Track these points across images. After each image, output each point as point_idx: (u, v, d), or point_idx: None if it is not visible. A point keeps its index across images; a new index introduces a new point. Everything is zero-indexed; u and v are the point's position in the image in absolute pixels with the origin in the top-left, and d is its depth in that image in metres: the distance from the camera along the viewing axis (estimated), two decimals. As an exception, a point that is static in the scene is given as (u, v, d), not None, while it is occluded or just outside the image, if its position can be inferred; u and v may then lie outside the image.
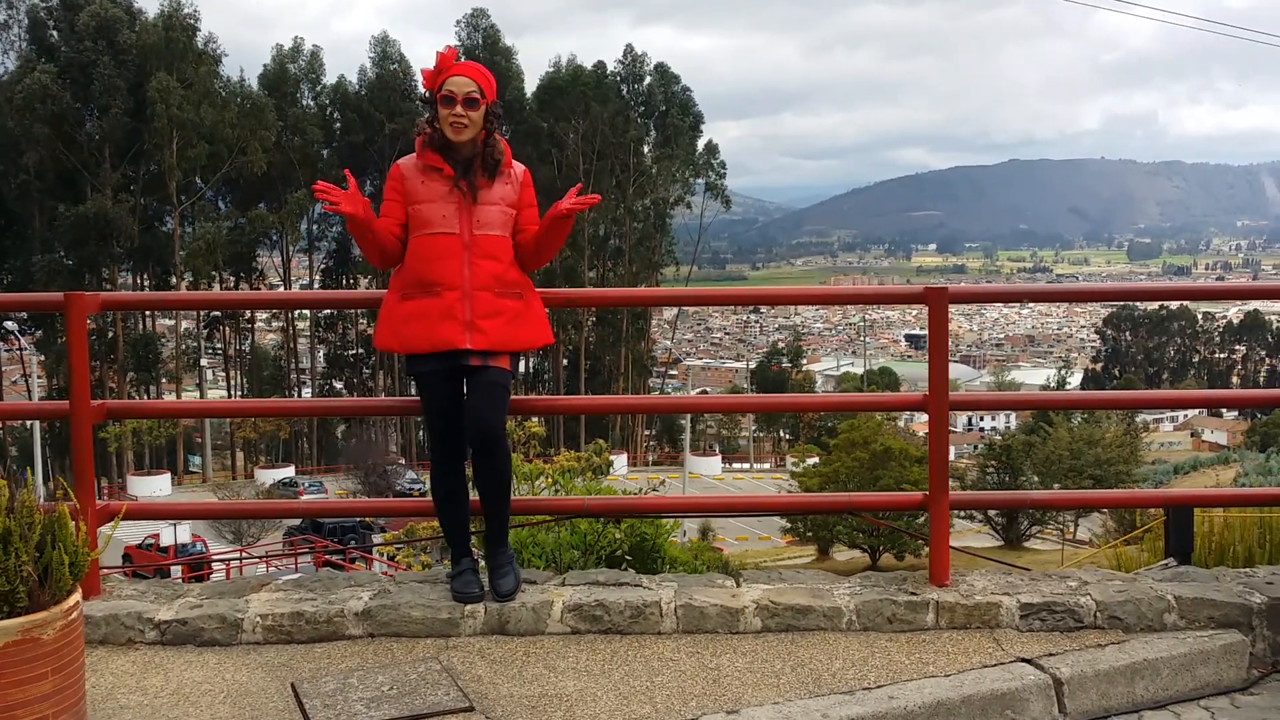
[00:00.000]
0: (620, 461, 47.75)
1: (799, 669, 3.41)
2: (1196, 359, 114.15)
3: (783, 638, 3.67)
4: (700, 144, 73.45)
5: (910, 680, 3.33)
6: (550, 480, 8.51)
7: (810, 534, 33.99)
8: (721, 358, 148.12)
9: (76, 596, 2.79)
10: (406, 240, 3.79)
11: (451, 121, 3.71)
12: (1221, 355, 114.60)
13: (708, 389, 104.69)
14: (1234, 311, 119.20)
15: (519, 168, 3.89)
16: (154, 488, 46.98)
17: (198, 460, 61.46)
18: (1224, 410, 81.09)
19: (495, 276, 3.73)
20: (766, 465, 66.51)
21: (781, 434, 78.04)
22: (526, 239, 3.85)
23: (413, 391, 4.00)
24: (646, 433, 73.33)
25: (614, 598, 3.76)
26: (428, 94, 3.80)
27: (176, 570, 24.31)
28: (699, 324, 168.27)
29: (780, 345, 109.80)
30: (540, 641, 3.64)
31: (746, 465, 65.30)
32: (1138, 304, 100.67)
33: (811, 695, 3.23)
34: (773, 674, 3.38)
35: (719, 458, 63.67)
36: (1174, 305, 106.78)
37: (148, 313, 60.90)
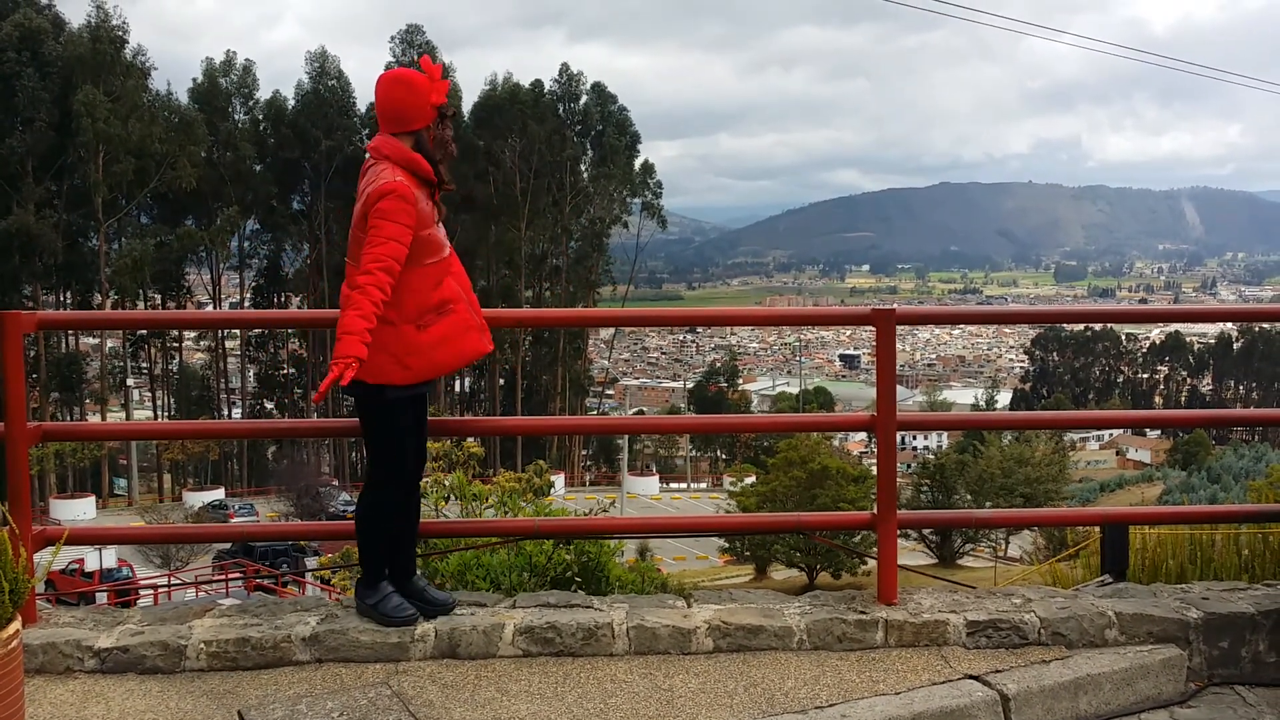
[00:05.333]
0: (558, 482, 47.56)
1: (752, 689, 3.42)
2: (1120, 379, 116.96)
3: (735, 658, 3.68)
4: (637, 163, 73.81)
5: (861, 698, 3.36)
6: (495, 502, 8.42)
7: (748, 553, 34.16)
8: (658, 377, 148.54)
9: (16, 625, 2.72)
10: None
11: (450, 141, 3.63)
12: (1144, 375, 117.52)
13: (644, 409, 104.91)
14: (1156, 333, 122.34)
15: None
16: (78, 511, 45.64)
17: (123, 483, 59.91)
18: (1147, 429, 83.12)
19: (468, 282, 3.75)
20: (703, 485, 66.75)
21: (718, 453, 78.38)
22: None
23: (344, 412, 3.96)
24: (583, 453, 73.19)
25: (565, 620, 3.74)
26: (442, 108, 3.57)
27: (102, 596, 23.71)
28: (636, 344, 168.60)
29: (717, 365, 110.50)
30: (492, 665, 3.61)
31: (684, 485, 65.49)
32: (1065, 325, 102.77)
33: (765, 715, 3.24)
34: (726, 694, 3.38)
35: (656, 477, 63.73)
36: (1099, 326, 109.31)
37: (71, 331, 59.43)
